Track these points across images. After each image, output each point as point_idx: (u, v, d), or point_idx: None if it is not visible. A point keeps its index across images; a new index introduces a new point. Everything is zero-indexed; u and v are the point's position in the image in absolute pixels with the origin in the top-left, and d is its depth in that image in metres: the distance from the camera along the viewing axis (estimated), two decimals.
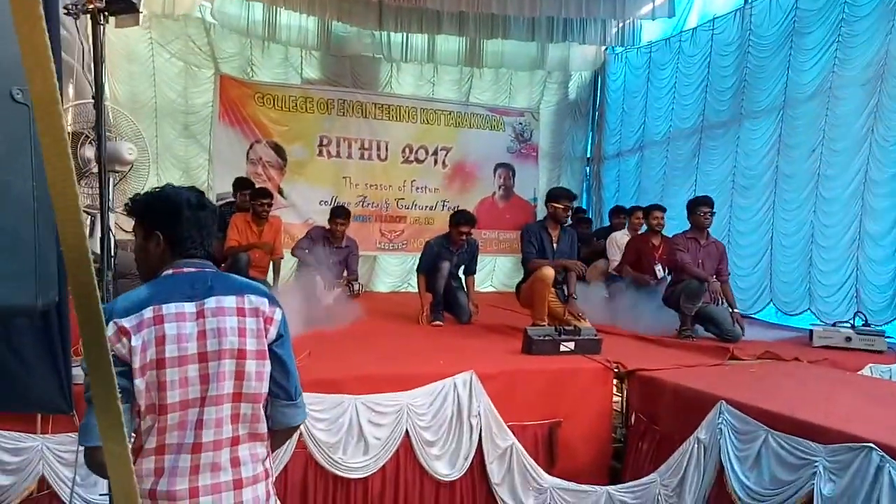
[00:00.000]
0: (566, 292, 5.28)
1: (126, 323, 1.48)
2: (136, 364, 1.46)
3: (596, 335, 4.26)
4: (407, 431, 3.32)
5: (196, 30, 7.34)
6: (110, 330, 1.47)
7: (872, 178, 5.27)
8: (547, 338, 4.14)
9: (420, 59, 8.22)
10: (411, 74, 8.58)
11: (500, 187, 8.86)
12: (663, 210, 6.15)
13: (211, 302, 1.56)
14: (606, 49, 8.96)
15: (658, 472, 3.49)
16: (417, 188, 8.38)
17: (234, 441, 1.54)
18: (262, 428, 1.60)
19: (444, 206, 8.32)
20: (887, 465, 2.54)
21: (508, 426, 3.55)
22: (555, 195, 5.37)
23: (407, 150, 8.33)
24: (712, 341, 4.93)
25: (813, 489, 2.77)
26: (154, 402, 1.48)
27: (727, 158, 6.82)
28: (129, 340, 1.46)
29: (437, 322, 5.44)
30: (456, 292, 5.66)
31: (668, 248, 5.76)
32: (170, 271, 1.63)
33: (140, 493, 1.24)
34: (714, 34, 7.11)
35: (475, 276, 5.94)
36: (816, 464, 2.79)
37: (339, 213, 5.80)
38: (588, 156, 9.52)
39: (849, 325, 4.88)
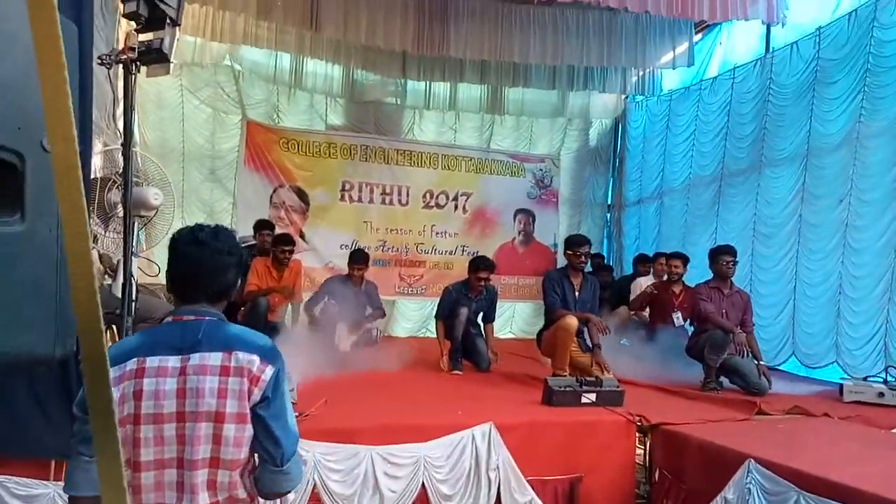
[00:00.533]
0: (590, 343, 5.20)
1: (110, 373, 1.45)
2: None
3: (618, 387, 4.16)
4: (423, 484, 3.24)
5: (225, 77, 7.55)
6: None
7: None
8: (568, 388, 4.05)
9: (442, 106, 8.36)
10: (433, 121, 8.71)
11: (520, 233, 8.86)
12: (683, 259, 6.08)
13: (195, 358, 1.48)
14: (627, 97, 9.04)
15: None
16: (437, 233, 8.41)
17: None
18: (242, 493, 1.51)
19: (463, 251, 8.32)
20: None
21: (528, 480, 3.45)
22: (569, 242, 5.36)
23: (428, 196, 8.39)
24: (738, 394, 4.80)
25: None
26: (130, 457, 1.42)
27: (747, 206, 6.75)
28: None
29: (456, 371, 5.37)
30: (475, 339, 5.61)
31: (688, 296, 5.67)
32: (169, 318, 1.58)
33: None
34: (734, 83, 7.14)
35: (493, 323, 5.88)
36: None
37: (357, 258, 5.82)
38: (609, 202, 9.51)
39: (881, 380, 4.72)
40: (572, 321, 4.88)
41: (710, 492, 3.35)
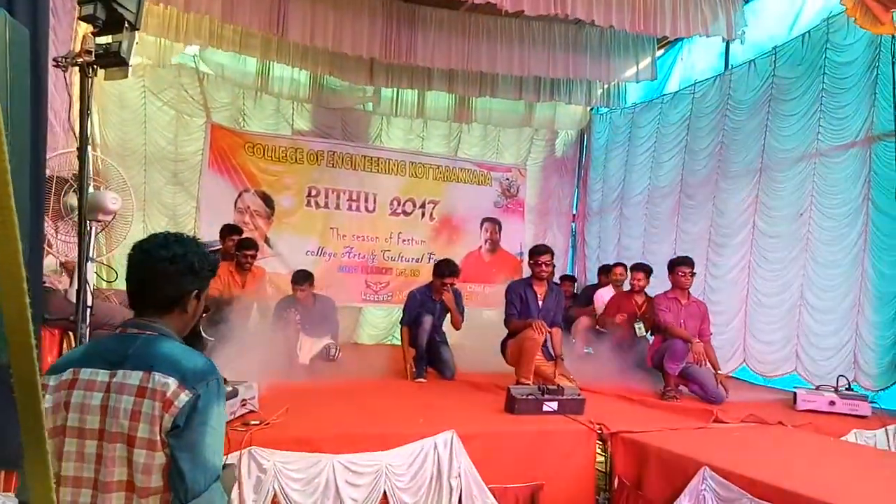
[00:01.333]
0: (553, 353, 5.25)
1: (49, 380, 1.46)
2: (48, 425, 1.37)
3: (579, 395, 4.21)
4: (385, 493, 3.23)
5: (189, 79, 7.44)
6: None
7: (873, 244, 5.28)
8: (530, 397, 4.09)
9: (410, 113, 8.36)
10: (401, 128, 8.72)
11: (486, 241, 8.91)
12: (646, 270, 6.18)
13: (119, 375, 1.44)
14: (592, 109, 9.18)
15: None
16: (404, 240, 8.40)
17: None
18: None
19: (430, 258, 8.33)
20: None
21: (489, 488, 3.47)
22: (531, 252, 5.44)
23: (395, 203, 8.39)
24: (696, 402, 4.90)
25: None
26: (56, 469, 1.39)
27: (704, 217, 6.89)
28: (44, 399, 1.38)
29: (421, 379, 5.36)
30: (439, 347, 5.62)
31: (649, 307, 5.77)
32: (116, 330, 1.58)
33: None
34: (694, 97, 7.31)
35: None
36: None
37: (298, 279, 5.69)
38: (574, 212, 9.63)
39: (832, 389, 4.87)
40: (538, 334, 4.93)
41: (667, 499, 3.41)
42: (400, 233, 8.38)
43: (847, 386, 4.93)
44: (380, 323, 8.38)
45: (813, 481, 3.01)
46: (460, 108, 8.43)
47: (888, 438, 4.37)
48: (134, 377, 1.43)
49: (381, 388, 4.98)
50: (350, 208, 8.15)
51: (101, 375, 1.44)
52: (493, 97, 8.07)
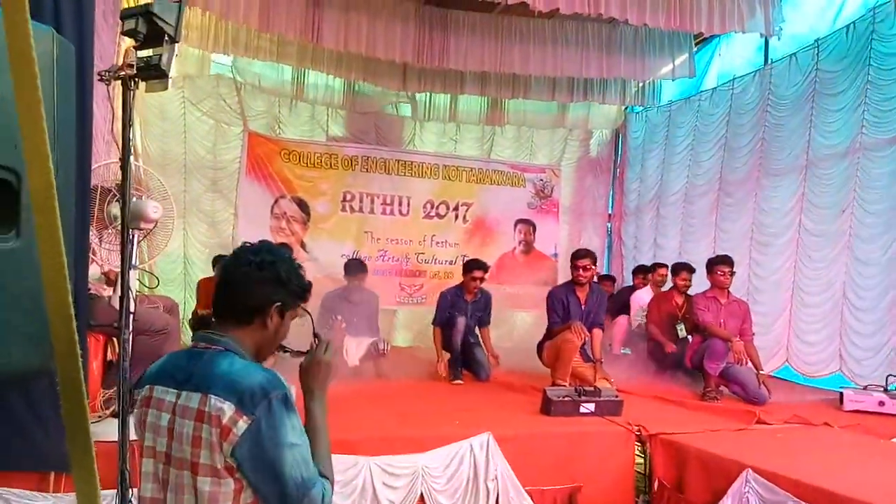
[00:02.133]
0: (591, 356, 5.21)
1: (135, 394, 1.48)
2: (136, 440, 1.43)
3: (617, 396, 4.17)
4: (422, 495, 3.25)
5: (227, 89, 7.60)
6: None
7: None
8: (566, 398, 4.06)
9: (443, 117, 8.40)
10: (434, 132, 8.75)
11: (520, 242, 8.87)
12: (691, 271, 6.04)
13: (183, 396, 1.38)
14: (626, 108, 9.07)
15: None
16: (438, 243, 8.42)
17: None
18: None
19: (463, 260, 8.32)
20: None
21: (527, 490, 3.46)
22: (572, 255, 5.40)
23: (428, 206, 8.42)
24: (738, 403, 4.80)
25: None
26: (139, 489, 1.44)
27: (746, 215, 6.75)
28: (131, 413, 1.44)
29: (457, 381, 5.37)
30: (473, 348, 5.62)
31: (689, 308, 5.68)
32: (191, 343, 1.53)
33: None
34: (733, 94, 7.17)
35: (489, 327, 5.88)
36: None
37: (351, 269, 5.72)
38: (609, 212, 9.53)
39: (881, 389, 4.72)
40: (577, 337, 4.90)
41: (708, 502, 3.35)
42: (433, 235, 8.41)
43: None
44: (414, 325, 8.42)
45: (861, 484, 2.93)
46: (493, 110, 8.43)
47: None
48: (194, 399, 1.36)
49: (416, 390, 5.00)
50: (384, 212, 8.22)
51: (170, 395, 1.40)
52: (525, 98, 8.05)
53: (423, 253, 8.34)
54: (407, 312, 8.44)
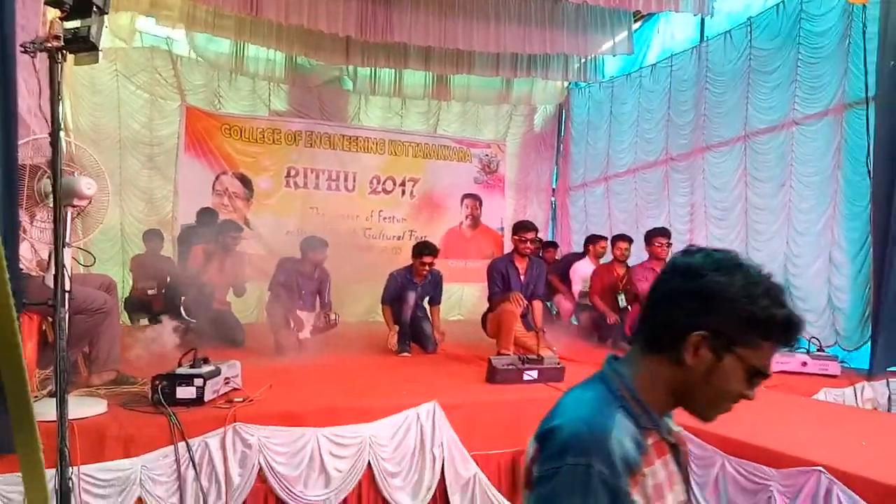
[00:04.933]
0: (533, 325, 5.34)
1: None
2: None
3: (559, 364, 4.30)
4: (369, 463, 3.31)
5: (162, 62, 7.35)
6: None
7: (841, 211, 5.41)
8: (510, 367, 4.17)
9: (388, 92, 8.34)
10: (379, 107, 8.70)
11: (467, 217, 8.96)
12: (628, 241, 6.25)
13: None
14: (569, 84, 9.19)
15: None
16: (385, 218, 8.43)
17: None
18: None
19: (411, 236, 8.37)
20: (835, 487, 2.62)
21: (472, 456, 3.56)
22: (514, 228, 5.50)
23: (375, 181, 8.39)
24: None
25: None
26: None
27: (696, 189, 6.96)
28: None
29: (405, 353, 5.43)
30: (421, 322, 5.68)
31: (630, 279, 5.87)
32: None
33: None
34: (673, 70, 7.36)
35: (440, 305, 5.96)
36: (771, 488, 2.86)
37: (319, 245, 5.67)
38: (554, 186, 9.69)
39: (804, 351, 5.01)
40: (516, 306, 5.02)
41: None
42: (380, 211, 8.40)
43: (819, 347, 5.08)
44: (362, 300, 8.42)
45: (782, 437, 3.13)
46: (438, 85, 8.42)
47: (855, 396, 4.52)
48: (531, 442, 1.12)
49: (364, 363, 5.04)
50: (330, 188, 8.16)
51: None
52: (470, 74, 8.07)
53: (370, 229, 8.33)
54: (355, 288, 8.43)
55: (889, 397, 4.70)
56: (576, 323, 6.83)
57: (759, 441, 3.07)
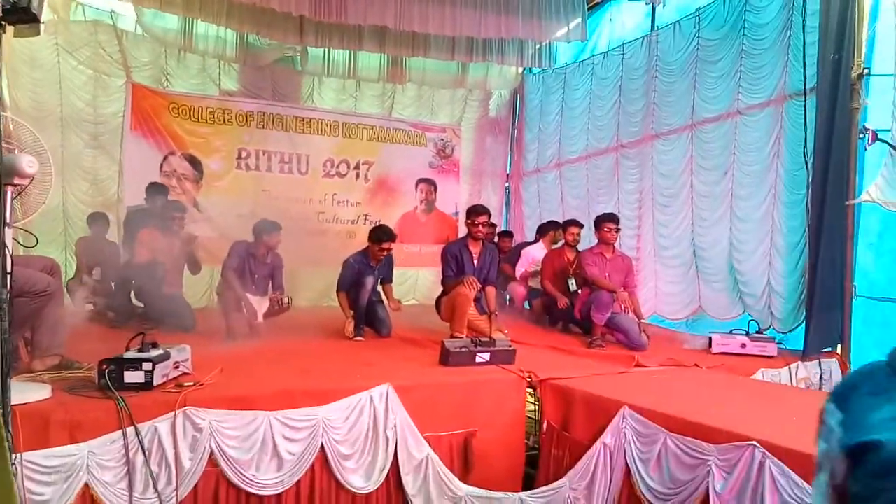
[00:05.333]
0: (486, 309, 5.41)
1: None
2: None
3: (510, 346, 4.39)
4: (322, 446, 3.32)
5: (106, 36, 7.08)
6: None
7: (781, 199, 5.62)
8: (463, 349, 4.23)
9: (342, 73, 8.23)
10: (333, 89, 8.59)
11: (422, 202, 8.96)
12: (579, 226, 6.38)
13: None
14: (524, 70, 9.25)
15: (567, 476, 3.63)
16: (339, 202, 8.36)
17: None
18: None
19: (366, 220, 8.33)
20: (768, 460, 2.76)
21: (424, 437, 3.61)
22: (468, 212, 5.54)
23: (328, 164, 8.31)
24: (620, 350, 5.17)
25: (708, 486, 2.98)
26: None
27: (645, 177, 7.10)
28: None
29: (359, 338, 5.44)
30: (375, 306, 5.69)
31: (579, 263, 6.00)
32: None
33: None
34: (624, 58, 7.49)
35: (392, 283, 5.97)
36: (709, 462, 3.00)
37: (273, 228, 5.57)
38: (508, 172, 9.77)
39: (744, 333, 5.23)
40: (469, 290, 5.08)
41: (591, 437, 3.64)
42: (335, 194, 8.33)
43: (759, 329, 5.31)
44: (316, 285, 8.37)
45: (720, 414, 3.28)
46: (393, 67, 8.35)
47: (790, 375, 4.76)
48: None
49: (318, 348, 5.03)
50: (282, 170, 8.03)
51: None
52: (426, 57, 8.02)
53: (323, 212, 8.25)
54: (308, 272, 8.36)
55: (821, 377, 4.96)
56: (528, 308, 6.96)
57: (700, 419, 3.22)
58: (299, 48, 7.88)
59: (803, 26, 5.30)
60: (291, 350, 4.72)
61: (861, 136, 4.95)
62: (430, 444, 3.61)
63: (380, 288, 5.84)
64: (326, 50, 7.89)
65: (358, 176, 8.48)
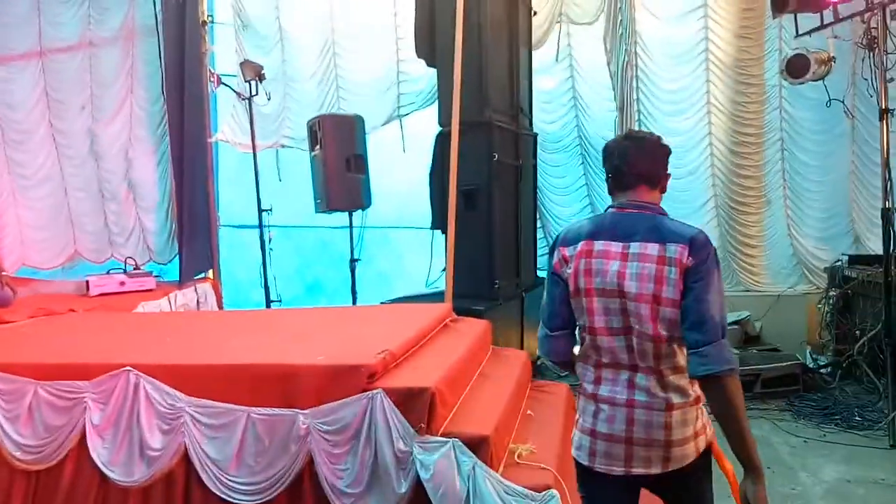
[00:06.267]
0: None
1: (567, 251, 1.84)
2: (570, 287, 1.82)
3: None
4: None
5: None
6: (556, 256, 1.87)
7: (136, 134, 5.65)
8: None
9: None
10: None
11: None
12: None
13: (634, 246, 1.75)
14: None
15: None
16: None
17: (633, 368, 1.78)
18: (682, 362, 1.74)
19: None
20: (142, 380, 2.92)
21: None
22: None
23: None
24: None
25: (85, 423, 2.95)
26: (586, 323, 1.82)
27: None
28: (568, 267, 1.82)
29: None
30: None
31: None
32: (612, 209, 1.86)
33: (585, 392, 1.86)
34: None
35: None
36: (85, 399, 2.96)
37: None
38: None
39: (122, 271, 5.26)
40: None
41: None
42: None
43: (135, 266, 5.43)
44: None
45: (96, 350, 3.27)
46: None
47: (170, 303, 5.09)
48: (651, 248, 1.74)
49: None
50: None
51: (614, 247, 1.78)
52: None
53: None
54: None
55: (197, 301, 5.46)
56: None
57: (74, 360, 3.13)
58: None
59: None
60: None
61: (210, 79, 5.49)
62: None
63: None
64: None
65: None
